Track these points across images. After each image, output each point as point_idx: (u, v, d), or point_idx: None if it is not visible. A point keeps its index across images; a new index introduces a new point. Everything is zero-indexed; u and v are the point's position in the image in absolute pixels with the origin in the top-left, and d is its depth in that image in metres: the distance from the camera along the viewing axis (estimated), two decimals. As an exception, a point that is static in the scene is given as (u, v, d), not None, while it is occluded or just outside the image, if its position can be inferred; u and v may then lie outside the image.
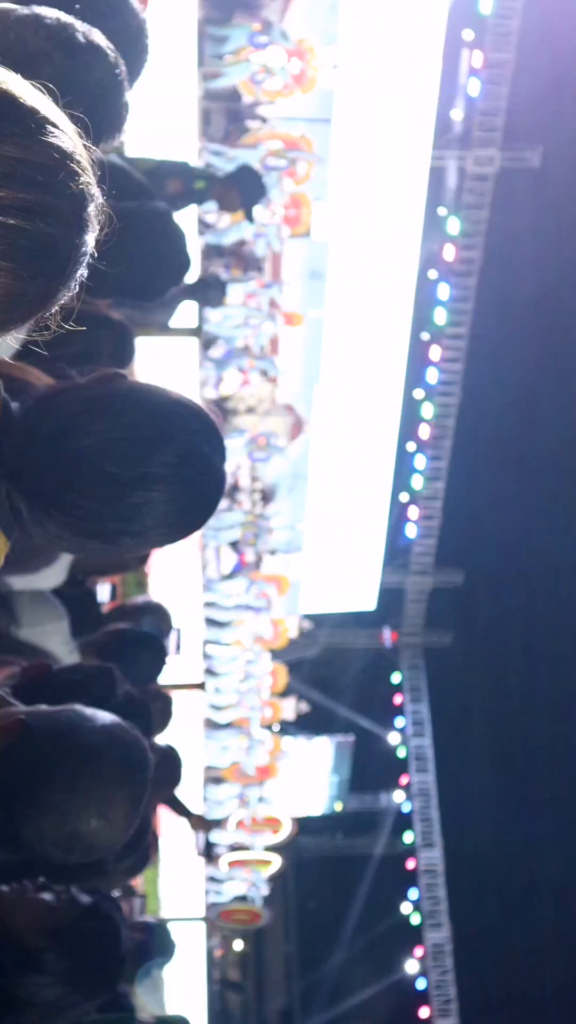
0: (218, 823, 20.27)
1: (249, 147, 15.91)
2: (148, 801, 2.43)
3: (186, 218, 6.43)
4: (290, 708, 21.36)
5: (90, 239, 1.54)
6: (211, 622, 18.99)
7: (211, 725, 19.66)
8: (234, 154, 15.76)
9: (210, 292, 7.34)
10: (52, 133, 1.47)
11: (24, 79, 1.51)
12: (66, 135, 1.49)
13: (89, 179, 1.52)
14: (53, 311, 1.60)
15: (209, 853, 18.99)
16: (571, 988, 28.19)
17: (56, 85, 1.54)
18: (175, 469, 2.02)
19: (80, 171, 1.50)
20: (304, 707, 21.90)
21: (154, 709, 5.90)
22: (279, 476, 19.79)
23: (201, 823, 10.26)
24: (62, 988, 2.93)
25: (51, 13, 2.92)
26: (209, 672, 19.32)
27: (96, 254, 1.57)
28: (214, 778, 20.21)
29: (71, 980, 3.04)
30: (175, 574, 17.84)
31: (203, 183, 7.21)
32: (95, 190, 1.53)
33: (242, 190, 7.55)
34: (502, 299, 22.62)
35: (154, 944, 7.07)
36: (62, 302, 1.59)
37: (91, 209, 1.52)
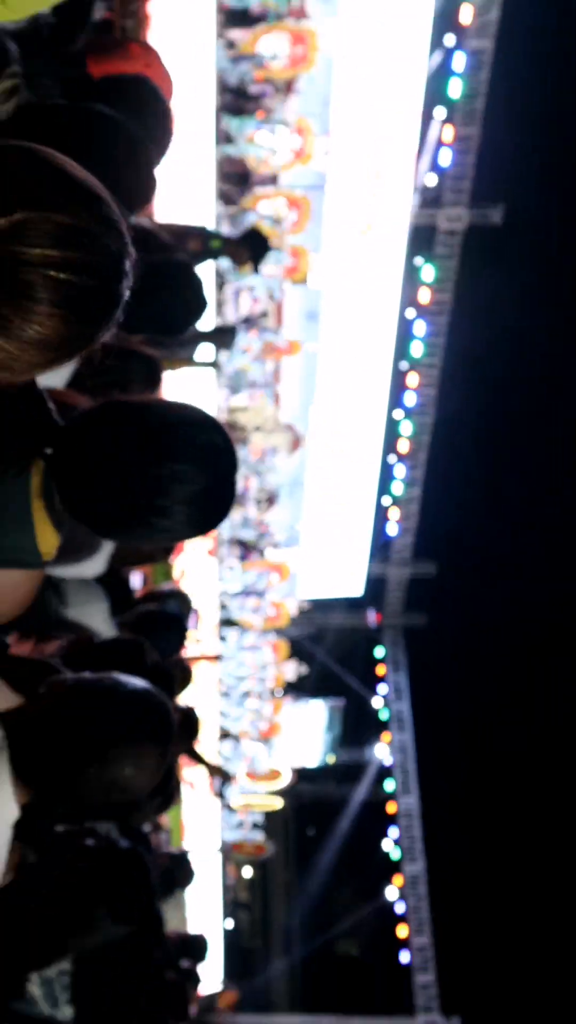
0: (229, 774, 20.26)
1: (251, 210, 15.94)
2: (172, 752, 2.45)
3: (205, 271, 6.45)
4: (291, 670, 21.34)
5: (126, 289, 1.59)
6: (224, 606, 19.02)
7: (225, 691, 19.65)
8: (244, 210, 15.82)
9: (224, 337, 7.38)
10: (95, 203, 1.53)
11: (74, 160, 1.56)
12: (107, 204, 1.54)
13: (125, 240, 1.57)
14: (96, 347, 1.65)
15: (223, 794, 19.02)
16: (532, 911, 28.17)
17: (100, 166, 1.59)
18: (195, 472, 2.05)
19: (118, 234, 1.55)
20: (304, 670, 21.85)
21: (176, 675, 5.96)
22: (279, 485, 19.81)
23: (216, 770, 10.30)
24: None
25: (104, 111, 2.97)
26: (223, 646, 19.35)
27: (131, 297, 1.62)
28: (227, 734, 20.20)
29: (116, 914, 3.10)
30: (196, 567, 17.91)
31: (218, 242, 7.23)
32: (130, 249, 1.58)
33: (251, 248, 7.58)
34: (470, 335, 22.56)
35: (177, 871, 7.11)
36: (103, 340, 1.64)
37: (127, 265, 1.57)
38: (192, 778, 16.90)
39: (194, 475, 2.05)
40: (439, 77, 18.32)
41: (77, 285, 1.48)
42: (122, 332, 3.29)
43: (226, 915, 23.90)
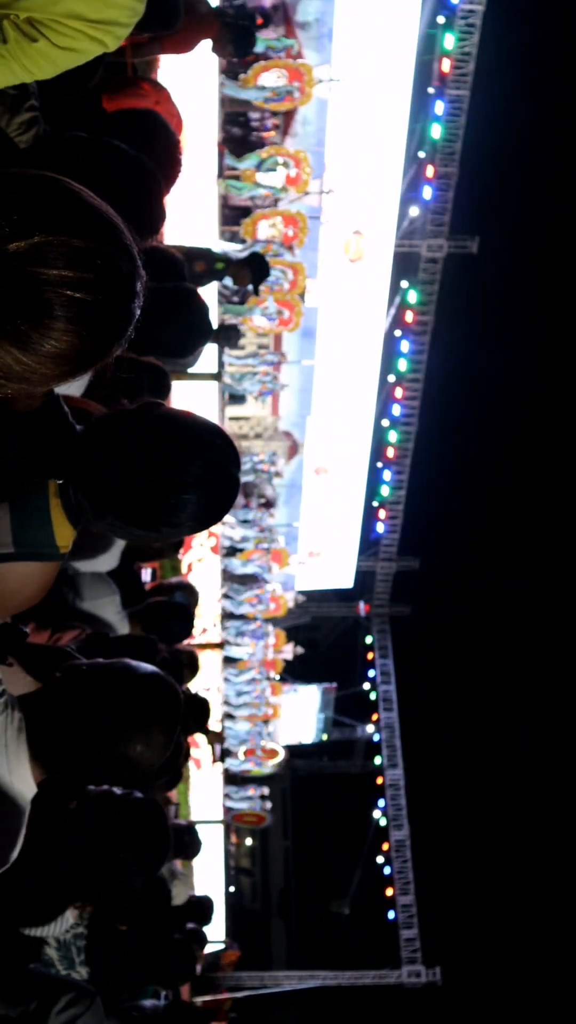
0: (231, 752, 20.31)
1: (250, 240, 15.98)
2: (181, 731, 2.42)
3: (208, 290, 6.41)
4: (289, 651, 21.32)
5: (137, 307, 1.57)
6: (227, 596, 19.01)
7: (228, 675, 19.64)
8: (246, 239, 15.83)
9: (229, 336, 7.33)
10: (109, 228, 1.51)
11: (89, 189, 1.54)
12: (119, 229, 1.52)
13: (136, 263, 1.55)
14: (108, 366, 1.63)
15: (223, 759, 18.98)
16: (506, 873, 28.31)
17: (112, 196, 1.56)
18: (203, 477, 2.03)
19: (129, 257, 1.53)
20: (300, 650, 21.82)
21: (184, 664, 5.92)
22: (278, 490, 19.83)
23: (216, 737, 10.24)
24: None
25: (117, 144, 2.95)
26: (226, 634, 19.34)
27: (142, 322, 1.60)
28: (229, 715, 20.19)
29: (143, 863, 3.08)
30: (202, 562, 17.90)
31: (222, 264, 7.20)
32: (141, 271, 1.56)
33: (252, 270, 7.54)
34: (450, 352, 22.64)
35: (186, 842, 7.07)
36: (116, 354, 1.61)
37: (138, 286, 1.55)
38: (198, 755, 16.91)
39: (201, 480, 2.03)
40: (421, 122, 18.44)
41: (91, 304, 1.46)
42: (133, 353, 3.26)
43: (228, 881, 23.90)
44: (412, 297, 20.58)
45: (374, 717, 27.74)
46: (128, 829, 3.05)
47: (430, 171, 19.05)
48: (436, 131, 18.48)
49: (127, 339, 1.60)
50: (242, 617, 19.44)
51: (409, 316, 20.78)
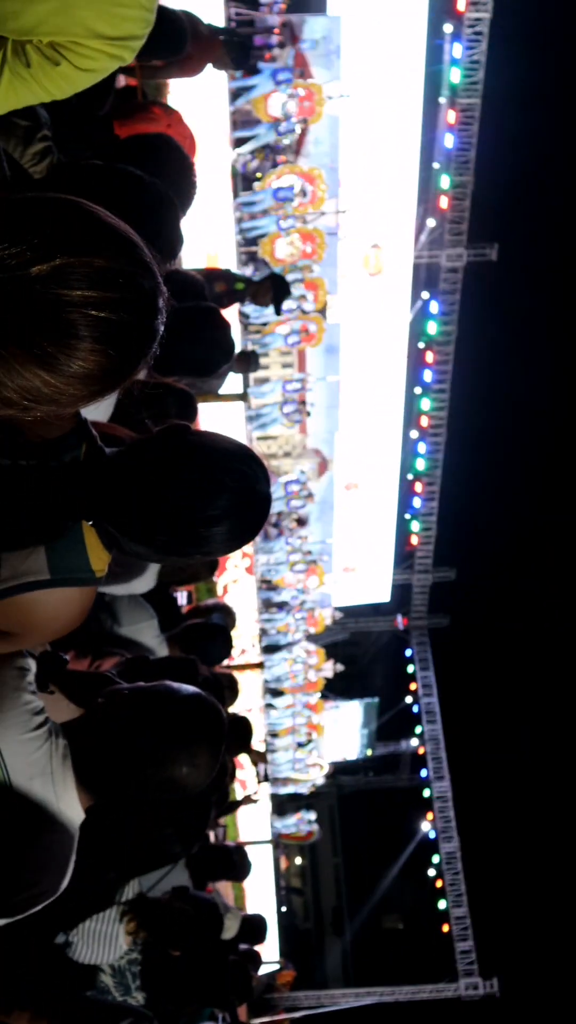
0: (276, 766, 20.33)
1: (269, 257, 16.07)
2: (225, 751, 2.41)
3: (229, 315, 6.43)
4: (329, 669, 21.30)
5: (161, 324, 1.58)
6: (266, 614, 19.02)
7: (269, 696, 19.65)
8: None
9: (250, 363, 7.36)
10: (129, 247, 1.51)
11: (111, 211, 1.55)
12: (139, 247, 1.53)
13: (158, 280, 1.55)
14: (134, 385, 1.62)
15: (267, 778, 18.97)
16: (558, 880, 28.12)
17: (129, 222, 1.57)
18: (234, 505, 2.01)
19: (151, 274, 1.53)
20: (340, 667, 21.81)
21: (225, 687, 5.91)
22: (310, 509, 19.83)
23: (260, 757, 10.22)
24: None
25: (132, 171, 2.97)
26: (266, 654, 19.35)
27: (165, 342, 1.61)
28: (273, 734, 20.20)
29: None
30: (237, 583, 17.93)
31: (242, 284, 7.22)
32: (163, 287, 1.56)
33: (273, 290, 7.55)
34: (475, 360, 22.61)
35: (236, 863, 7.03)
36: (140, 378, 1.62)
37: (160, 302, 1.56)
38: (242, 776, 16.90)
39: (231, 509, 2.01)
40: (434, 131, 18.49)
41: (116, 322, 1.46)
42: (157, 374, 3.26)
43: (280, 901, 23.83)
44: (433, 307, 20.59)
45: (417, 730, 27.65)
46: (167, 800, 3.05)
47: (445, 181, 19.07)
48: (449, 140, 18.51)
49: (152, 356, 1.60)
50: (284, 647, 19.55)
51: (432, 327, 20.79)
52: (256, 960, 7.51)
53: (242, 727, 6.26)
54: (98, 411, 2.52)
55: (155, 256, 1.58)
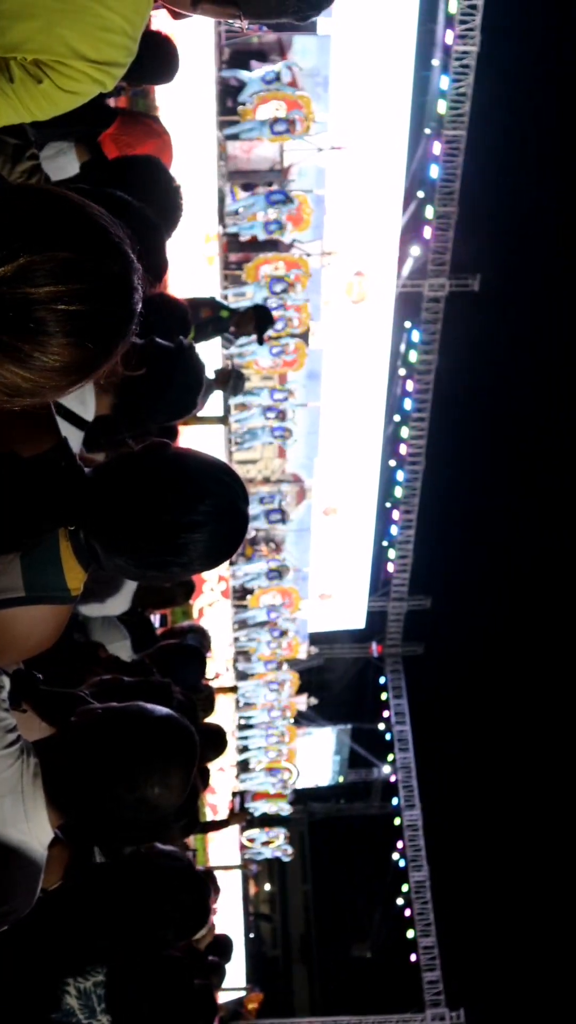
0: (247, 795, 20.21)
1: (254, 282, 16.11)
2: (197, 770, 2.40)
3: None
4: (302, 703, 21.26)
5: (138, 302, 1.60)
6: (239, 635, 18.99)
7: (242, 721, 19.61)
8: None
9: (236, 383, 7.35)
10: (93, 231, 1.53)
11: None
12: (106, 231, 1.55)
13: (128, 258, 1.58)
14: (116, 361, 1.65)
15: (245, 809, 18.92)
16: (526, 912, 28.08)
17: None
18: (212, 515, 2.03)
19: (119, 253, 1.56)
20: (313, 700, 21.79)
21: (201, 699, 5.89)
22: (286, 533, 19.81)
23: (239, 818, 10.19)
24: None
25: (118, 195, 2.98)
26: (240, 679, 19.30)
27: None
28: (245, 762, 20.16)
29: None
30: (213, 606, 17.90)
31: (227, 312, 7.25)
32: (135, 264, 1.59)
33: (256, 319, 7.59)
34: (455, 389, 22.69)
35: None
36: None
37: (134, 280, 1.58)
38: (214, 801, 16.83)
39: (210, 518, 2.02)
40: (419, 161, 18.62)
41: (88, 313, 1.48)
42: (138, 428, 3.26)
43: (248, 928, 23.68)
44: (415, 336, 20.68)
45: (390, 757, 27.59)
46: (166, 889, 3.06)
47: (429, 212, 19.18)
48: (434, 171, 18.62)
49: (132, 335, 1.62)
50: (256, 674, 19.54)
51: (412, 355, 20.87)
52: (220, 973, 7.45)
53: (215, 736, 6.25)
54: (86, 393, 2.55)
55: (123, 233, 1.59)
